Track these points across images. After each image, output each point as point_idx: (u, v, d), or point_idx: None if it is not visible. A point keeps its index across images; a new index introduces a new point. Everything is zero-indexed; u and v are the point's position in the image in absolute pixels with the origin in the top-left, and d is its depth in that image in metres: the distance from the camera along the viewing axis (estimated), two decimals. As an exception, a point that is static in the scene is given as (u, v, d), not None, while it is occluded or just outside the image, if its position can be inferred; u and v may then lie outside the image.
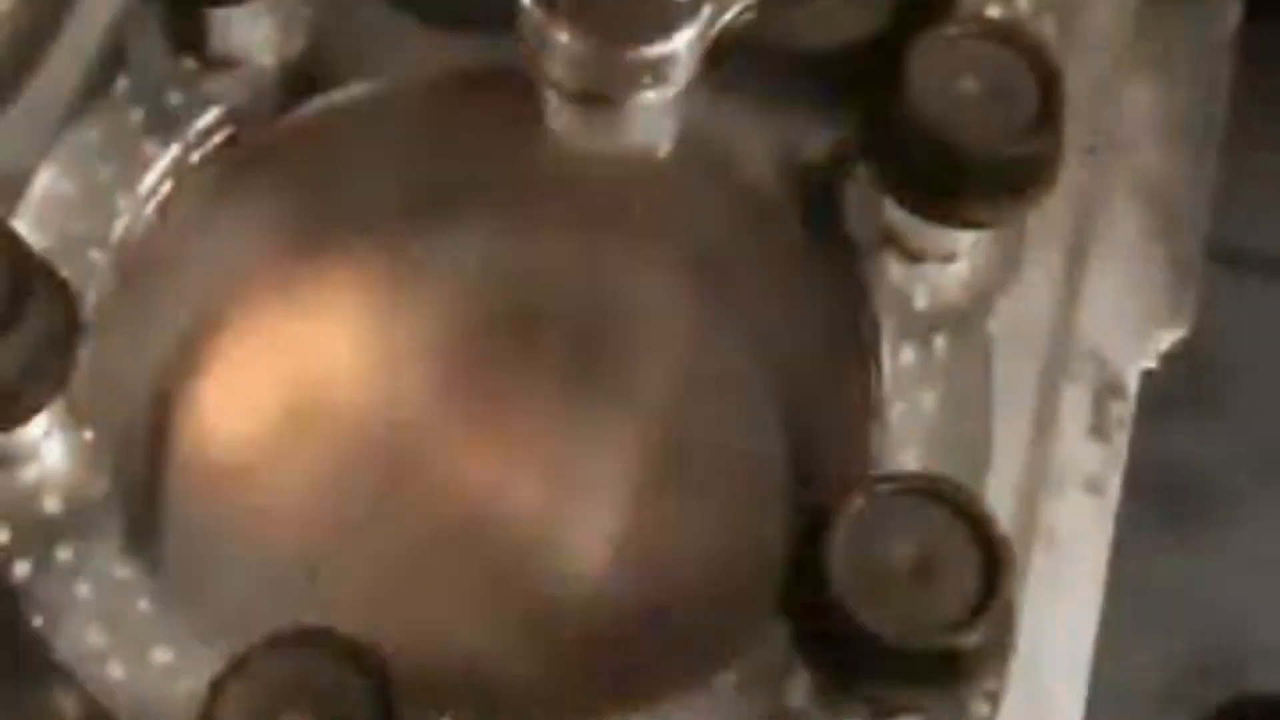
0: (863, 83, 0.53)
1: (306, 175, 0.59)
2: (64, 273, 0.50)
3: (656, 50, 0.51)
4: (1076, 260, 0.56)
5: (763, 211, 0.57)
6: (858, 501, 0.46)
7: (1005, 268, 0.54)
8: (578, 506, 0.61)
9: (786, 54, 0.57)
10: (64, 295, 0.49)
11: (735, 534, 0.60)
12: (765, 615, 0.47)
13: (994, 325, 0.53)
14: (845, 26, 0.57)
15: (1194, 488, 0.80)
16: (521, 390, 0.62)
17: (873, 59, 0.55)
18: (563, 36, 0.51)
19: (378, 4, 0.57)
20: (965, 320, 0.53)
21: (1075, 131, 0.53)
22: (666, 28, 0.51)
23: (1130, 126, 0.58)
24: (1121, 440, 0.54)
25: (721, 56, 0.53)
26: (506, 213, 0.63)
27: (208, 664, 0.46)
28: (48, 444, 0.51)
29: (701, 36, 0.52)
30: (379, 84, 0.58)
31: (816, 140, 0.56)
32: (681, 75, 0.52)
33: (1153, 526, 0.79)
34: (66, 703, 0.49)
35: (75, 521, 0.50)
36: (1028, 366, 0.54)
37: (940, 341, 0.53)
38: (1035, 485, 0.52)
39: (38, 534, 0.50)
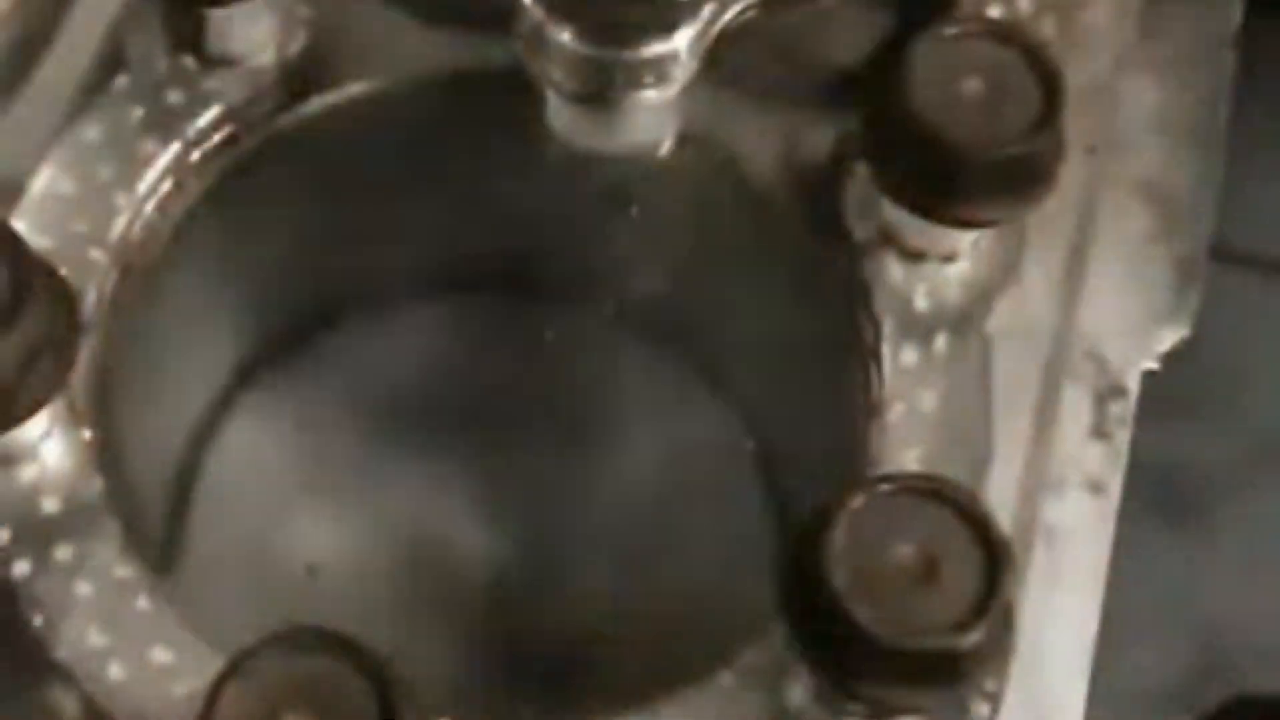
0: (863, 82, 0.53)
1: (306, 174, 0.59)
2: (64, 272, 0.50)
3: (657, 49, 0.51)
4: (1077, 260, 0.56)
5: (762, 211, 0.57)
6: (858, 501, 0.46)
7: (1006, 268, 0.54)
8: (576, 504, 0.61)
9: (787, 53, 0.57)
10: (63, 295, 0.49)
11: (732, 535, 0.60)
12: (764, 616, 0.47)
13: (994, 325, 0.53)
14: (845, 25, 0.57)
15: (1195, 488, 0.80)
16: (523, 374, 0.62)
17: (873, 58, 0.55)
18: (563, 35, 0.51)
19: (377, 3, 0.57)
20: (965, 320, 0.53)
21: (1076, 131, 0.53)
22: (667, 27, 0.51)
23: (1131, 126, 0.58)
24: (1123, 440, 0.54)
25: (722, 55, 0.53)
26: (508, 216, 0.63)
27: (208, 664, 0.46)
28: (47, 444, 0.51)
29: (702, 35, 0.52)
30: (379, 83, 0.58)
31: (817, 139, 0.56)
32: (682, 74, 0.52)
33: (1153, 527, 0.78)
34: (66, 702, 0.49)
35: (74, 521, 0.50)
36: (1028, 366, 0.54)
37: (940, 341, 0.53)
38: (1036, 485, 0.52)
39: (37, 534, 0.50)
